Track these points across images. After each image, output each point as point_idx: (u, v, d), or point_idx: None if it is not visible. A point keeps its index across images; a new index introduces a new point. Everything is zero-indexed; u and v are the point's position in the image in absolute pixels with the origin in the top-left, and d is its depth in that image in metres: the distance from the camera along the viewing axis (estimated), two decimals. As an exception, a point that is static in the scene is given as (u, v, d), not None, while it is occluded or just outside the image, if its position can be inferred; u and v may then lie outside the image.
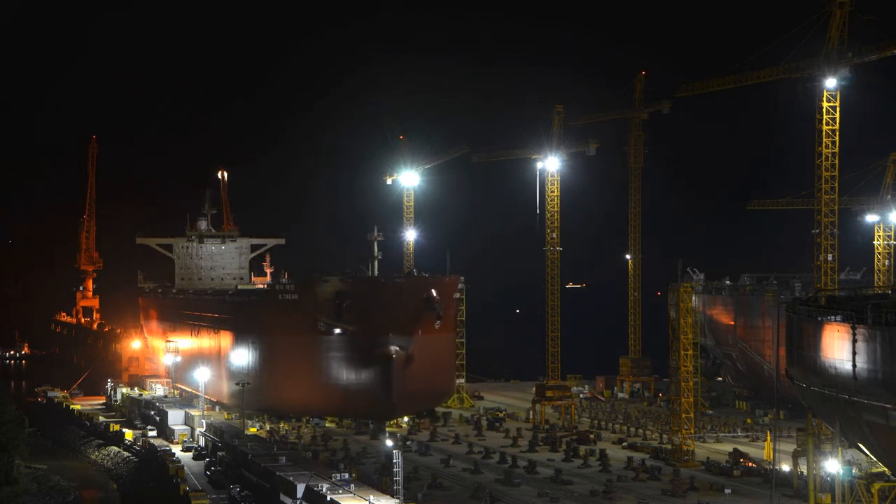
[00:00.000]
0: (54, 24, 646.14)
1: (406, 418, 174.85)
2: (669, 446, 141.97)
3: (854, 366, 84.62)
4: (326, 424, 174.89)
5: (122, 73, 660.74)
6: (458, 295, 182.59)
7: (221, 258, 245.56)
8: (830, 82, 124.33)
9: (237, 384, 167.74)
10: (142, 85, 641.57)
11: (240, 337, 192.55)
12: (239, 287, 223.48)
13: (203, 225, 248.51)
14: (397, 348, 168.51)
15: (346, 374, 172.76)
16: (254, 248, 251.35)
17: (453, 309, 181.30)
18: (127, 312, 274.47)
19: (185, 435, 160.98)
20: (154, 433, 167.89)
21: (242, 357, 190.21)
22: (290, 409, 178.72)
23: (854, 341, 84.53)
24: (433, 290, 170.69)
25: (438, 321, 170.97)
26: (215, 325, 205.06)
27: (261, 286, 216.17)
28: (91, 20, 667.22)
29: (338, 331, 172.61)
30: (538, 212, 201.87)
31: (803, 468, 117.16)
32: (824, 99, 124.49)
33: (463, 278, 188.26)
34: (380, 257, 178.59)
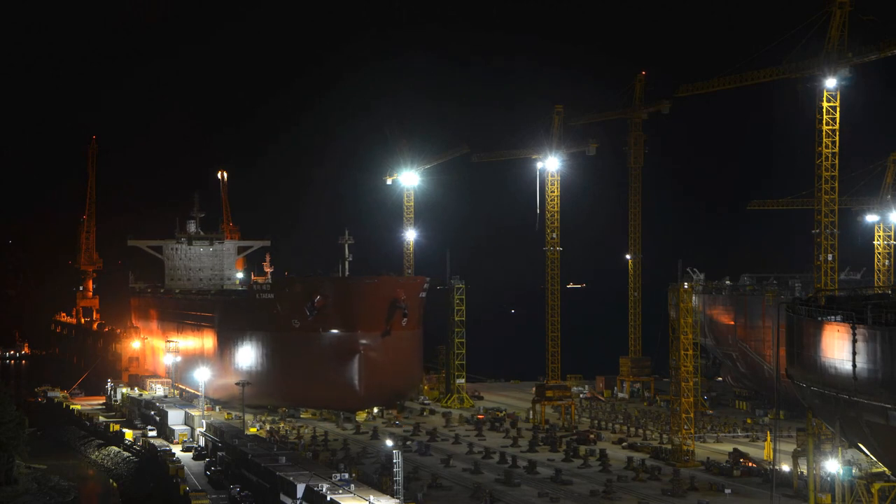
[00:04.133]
0: (56, 23, 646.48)
1: (376, 409, 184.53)
2: (669, 446, 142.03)
3: (854, 366, 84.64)
4: (302, 416, 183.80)
5: (123, 72, 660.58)
6: (423, 294, 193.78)
7: (209, 259, 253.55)
8: (830, 82, 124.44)
9: (237, 383, 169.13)
10: (142, 85, 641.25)
11: (220, 335, 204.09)
12: (225, 287, 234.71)
13: (192, 227, 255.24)
14: (366, 343, 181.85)
15: (317, 368, 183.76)
16: (241, 249, 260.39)
17: (419, 307, 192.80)
18: (121, 312, 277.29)
19: (185, 435, 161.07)
20: (154, 433, 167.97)
21: (227, 355, 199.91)
22: (267, 402, 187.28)
23: (854, 341, 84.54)
24: (400, 290, 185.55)
25: (405, 319, 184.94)
26: (199, 324, 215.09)
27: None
28: (91, 21, 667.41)
29: (335, 330, 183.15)
30: (538, 212, 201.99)
31: (803, 468, 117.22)
32: (824, 99, 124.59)
33: (429, 279, 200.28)
34: (350, 259, 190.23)
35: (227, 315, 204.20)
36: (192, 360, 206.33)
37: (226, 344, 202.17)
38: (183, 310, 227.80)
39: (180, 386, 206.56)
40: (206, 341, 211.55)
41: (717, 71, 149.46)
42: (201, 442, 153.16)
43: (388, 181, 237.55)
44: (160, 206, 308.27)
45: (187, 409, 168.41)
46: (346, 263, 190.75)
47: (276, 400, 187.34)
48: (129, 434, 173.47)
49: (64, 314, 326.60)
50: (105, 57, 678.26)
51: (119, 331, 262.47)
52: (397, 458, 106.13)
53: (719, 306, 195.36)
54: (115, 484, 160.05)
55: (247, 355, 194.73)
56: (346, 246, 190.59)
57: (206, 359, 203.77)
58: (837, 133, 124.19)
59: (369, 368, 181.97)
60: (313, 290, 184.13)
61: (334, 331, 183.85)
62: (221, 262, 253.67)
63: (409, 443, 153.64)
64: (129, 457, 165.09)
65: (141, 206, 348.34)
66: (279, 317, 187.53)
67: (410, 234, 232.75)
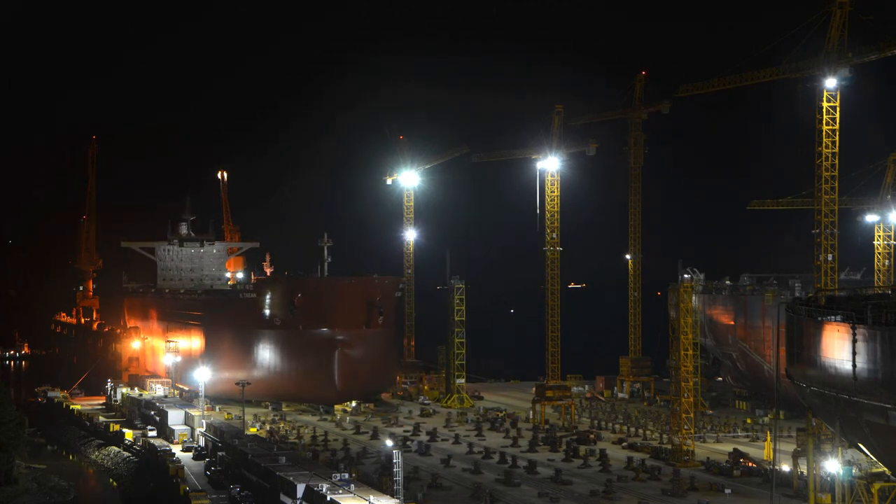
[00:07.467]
0: (55, 23, 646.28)
1: (354, 403, 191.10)
2: (669, 446, 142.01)
3: (854, 366, 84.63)
4: (284, 409, 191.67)
5: (122, 72, 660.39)
6: (398, 294, 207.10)
7: (200, 260, 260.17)
8: (830, 82, 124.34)
9: (237, 383, 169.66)
10: (143, 84, 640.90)
11: (207, 334, 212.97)
12: (214, 287, 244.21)
13: (183, 229, 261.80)
14: (343, 339, 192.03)
15: (297, 364, 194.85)
16: (232, 250, 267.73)
17: (394, 306, 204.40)
18: (116, 312, 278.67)
19: (185, 435, 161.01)
20: (154, 433, 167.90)
21: (213, 353, 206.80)
22: (251, 396, 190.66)
23: (854, 341, 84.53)
24: (376, 290, 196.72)
25: (381, 317, 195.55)
26: (187, 323, 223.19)
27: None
28: (90, 21, 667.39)
29: (314, 327, 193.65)
30: (538, 212, 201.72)
31: (803, 468, 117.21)
32: (824, 99, 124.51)
33: (404, 279, 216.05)
34: (329, 260, 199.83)
35: (213, 314, 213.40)
36: (185, 358, 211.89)
37: (212, 342, 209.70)
38: (173, 310, 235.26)
39: (180, 386, 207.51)
40: (194, 340, 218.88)
41: (717, 71, 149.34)
42: (201, 442, 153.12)
43: (388, 181, 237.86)
44: (160, 205, 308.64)
45: (187, 409, 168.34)
46: (326, 265, 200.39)
47: (259, 394, 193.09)
48: (129, 434, 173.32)
49: (64, 314, 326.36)
50: (106, 56, 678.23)
51: (119, 331, 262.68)
52: (397, 458, 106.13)
53: (719, 306, 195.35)
54: (115, 484, 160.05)
55: (232, 352, 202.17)
56: (326, 248, 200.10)
57: (196, 357, 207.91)
58: (837, 133, 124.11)
59: (347, 364, 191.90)
60: (294, 289, 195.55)
61: (313, 328, 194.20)
62: (212, 263, 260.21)
63: (409, 443, 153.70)
64: (129, 457, 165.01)
65: (141, 205, 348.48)
66: (262, 315, 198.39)
67: (410, 234, 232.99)
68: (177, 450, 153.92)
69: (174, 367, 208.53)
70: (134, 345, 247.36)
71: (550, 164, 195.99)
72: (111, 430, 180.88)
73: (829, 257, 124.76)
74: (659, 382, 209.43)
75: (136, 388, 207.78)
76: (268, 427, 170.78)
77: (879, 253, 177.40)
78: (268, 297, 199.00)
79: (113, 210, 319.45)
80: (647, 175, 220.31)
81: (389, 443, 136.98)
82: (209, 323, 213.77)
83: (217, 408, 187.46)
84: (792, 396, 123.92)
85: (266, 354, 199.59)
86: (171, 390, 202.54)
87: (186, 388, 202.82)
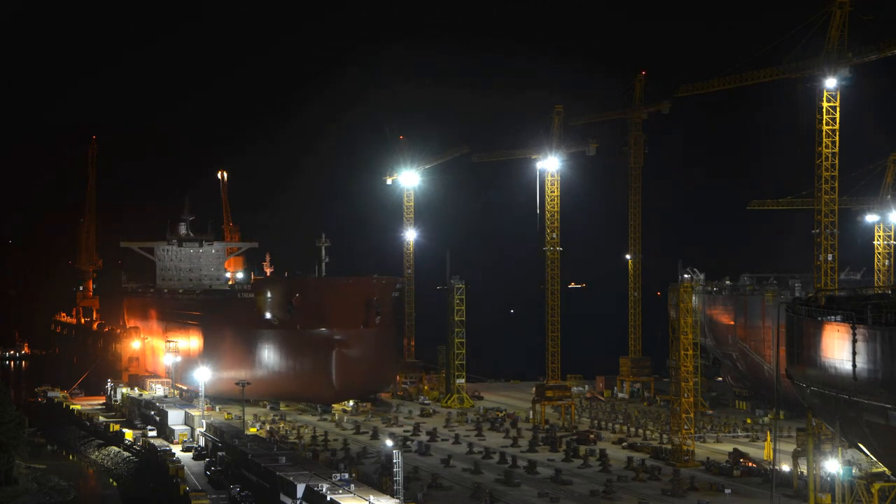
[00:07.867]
0: (54, 23, 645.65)
1: (352, 402, 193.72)
2: (669, 446, 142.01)
3: (854, 366, 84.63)
4: (282, 408, 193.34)
5: (122, 72, 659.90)
6: (395, 294, 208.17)
7: (199, 260, 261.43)
8: (830, 82, 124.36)
9: (237, 383, 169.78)
10: (142, 83, 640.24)
11: (206, 333, 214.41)
12: (213, 287, 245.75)
13: (183, 229, 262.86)
14: (341, 339, 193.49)
15: (295, 363, 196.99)
16: (230, 250, 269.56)
17: (391, 306, 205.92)
18: (116, 312, 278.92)
19: (185, 435, 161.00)
20: (154, 433, 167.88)
21: (212, 352, 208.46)
22: (249, 395, 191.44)
23: (854, 341, 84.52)
24: (374, 290, 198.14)
25: (378, 317, 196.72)
26: (186, 323, 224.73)
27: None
28: (90, 21, 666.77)
29: (312, 327, 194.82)
30: (538, 212, 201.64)
31: (803, 468, 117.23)
32: (824, 99, 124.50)
33: (402, 279, 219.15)
34: (327, 260, 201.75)
35: (212, 314, 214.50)
36: (184, 358, 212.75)
37: (211, 342, 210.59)
38: (172, 310, 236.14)
39: (180, 385, 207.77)
40: (193, 340, 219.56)
41: (717, 71, 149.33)
42: (201, 442, 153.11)
43: (388, 181, 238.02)
44: (160, 205, 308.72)
45: (187, 409, 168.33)
46: (323, 265, 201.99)
47: (258, 394, 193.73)
48: (129, 434, 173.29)
49: (64, 314, 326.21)
50: (106, 56, 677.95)
51: (119, 331, 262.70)
52: (397, 458, 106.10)
53: (719, 306, 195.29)
54: (115, 484, 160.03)
55: (231, 352, 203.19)
56: (323, 248, 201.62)
57: (195, 357, 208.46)
58: (837, 133, 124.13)
59: (344, 363, 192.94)
60: (292, 289, 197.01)
61: (311, 328, 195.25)
62: (210, 263, 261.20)
63: (409, 443, 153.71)
64: (129, 457, 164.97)
65: (141, 205, 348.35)
66: (260, 315, 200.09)
67: (410, 234, 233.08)
68: (177, 450, 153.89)
69: (174, 367, 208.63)
70: (134, 345, 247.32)
71: (550, 164, 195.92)
72: (111, 430, 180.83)
73: (829, 257, 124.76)
74: (659, 382, 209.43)
75: (136, 388, 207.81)
76: (268, 427, 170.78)
77: (879, 253, 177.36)
78: (266, 297, 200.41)
79: (113, 210, 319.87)
80: (647, 175, 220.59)
81: (389, 443, 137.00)
82: (208, 323, 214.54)
83: (217, 408, 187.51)
84: (792, 396, 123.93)
85: (264, 354, 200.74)
86: (171, 390, 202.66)
87: (186, 388, 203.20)
